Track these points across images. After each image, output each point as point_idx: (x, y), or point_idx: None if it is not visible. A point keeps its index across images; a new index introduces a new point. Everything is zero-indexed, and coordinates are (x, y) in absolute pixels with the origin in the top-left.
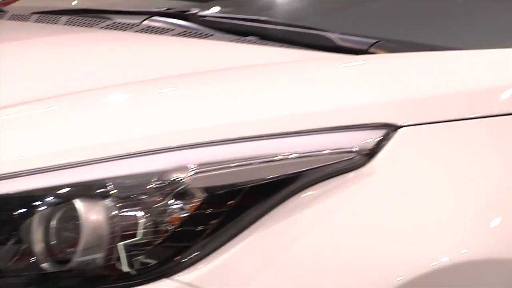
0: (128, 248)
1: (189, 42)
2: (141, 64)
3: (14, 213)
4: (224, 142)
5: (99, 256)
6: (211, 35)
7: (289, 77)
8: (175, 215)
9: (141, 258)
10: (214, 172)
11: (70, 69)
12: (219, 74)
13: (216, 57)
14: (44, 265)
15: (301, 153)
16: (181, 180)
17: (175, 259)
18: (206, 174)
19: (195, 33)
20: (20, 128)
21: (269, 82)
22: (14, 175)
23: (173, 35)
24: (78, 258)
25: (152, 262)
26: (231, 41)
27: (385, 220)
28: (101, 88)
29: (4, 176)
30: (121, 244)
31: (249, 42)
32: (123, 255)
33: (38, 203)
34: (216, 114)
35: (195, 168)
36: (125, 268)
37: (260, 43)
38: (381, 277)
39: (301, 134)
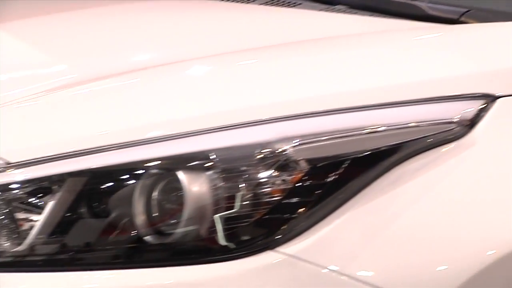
0: (231, 220)
1: (277, 11)
2: (230, 33)
3: (114, 185)
4: (325, 113)
5: (200, 228)
6: (300, 4)
7: (382, 47)
8: (277, 187)
9: (243, 229)
10: (317, 144)
11: (153, 39)
12: (314, 44)
13: (306, 27)
14: (146, 238)
15: (401, 124)
16: (284, 151)
17: (278, 231)
18: (309, 145)
19: (283, 2)
20: (120, 100)
21: (365, 52)
22: (116, 147)
23: (260, 4)
24: (180, 229)
25: (255, 234)
26: (320, 10)
27: (484, 192)
28: (198, 59)
29: (106, 148)
30: (222, 215)
31: (338, 11)
32: (222, 227)
33: (139, 174)
34: (315, 85)
35: (298, 140)
36: (223, 241)
37: (349, 12)
38: (474, 249)
39: (401, 104)
